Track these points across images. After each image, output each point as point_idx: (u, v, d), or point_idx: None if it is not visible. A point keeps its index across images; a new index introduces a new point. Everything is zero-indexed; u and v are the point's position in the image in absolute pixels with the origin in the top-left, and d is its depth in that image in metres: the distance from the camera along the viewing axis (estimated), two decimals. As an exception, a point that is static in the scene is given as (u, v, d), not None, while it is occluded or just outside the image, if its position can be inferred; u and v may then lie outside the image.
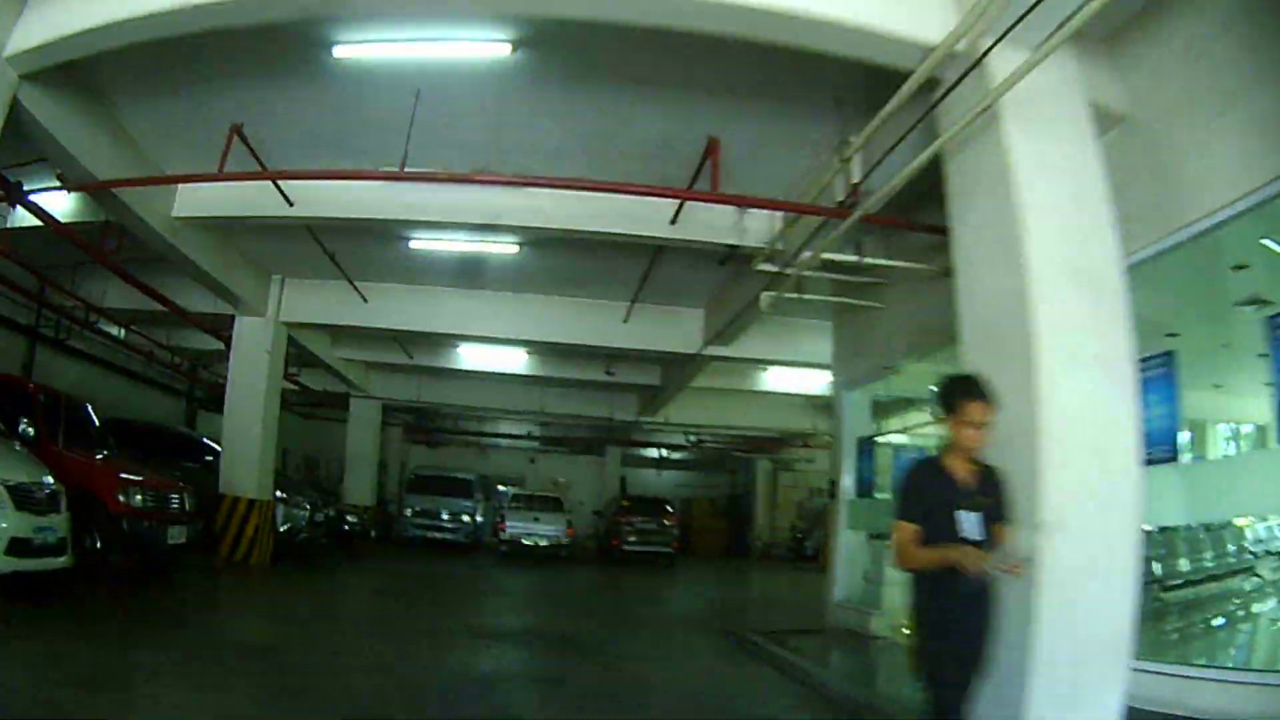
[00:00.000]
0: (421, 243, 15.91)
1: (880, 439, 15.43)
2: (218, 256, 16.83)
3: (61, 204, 14.85)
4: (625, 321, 19.19)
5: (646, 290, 17.75)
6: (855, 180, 10.33)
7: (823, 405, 28.08)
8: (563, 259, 17.00)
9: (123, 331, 23.08)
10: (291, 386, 26.71)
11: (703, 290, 18.30)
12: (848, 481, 15.22)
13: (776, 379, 25.39)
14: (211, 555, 17.44)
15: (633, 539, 29.59)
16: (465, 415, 39.08)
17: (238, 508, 18.26)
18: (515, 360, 25.08)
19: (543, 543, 28.26)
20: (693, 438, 36.80)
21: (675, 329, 19.44)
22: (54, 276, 18.34)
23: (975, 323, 7.43)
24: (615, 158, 11.95)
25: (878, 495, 14.70)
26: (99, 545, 12.08)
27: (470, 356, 25.08)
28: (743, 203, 11.78)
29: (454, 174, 11.62)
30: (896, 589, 13.53)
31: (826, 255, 11.59)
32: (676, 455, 43.01)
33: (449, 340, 23.85)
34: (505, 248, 15.94)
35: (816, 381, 23.96)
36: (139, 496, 12.71)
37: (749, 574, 31.35)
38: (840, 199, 10.72)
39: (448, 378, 29.23)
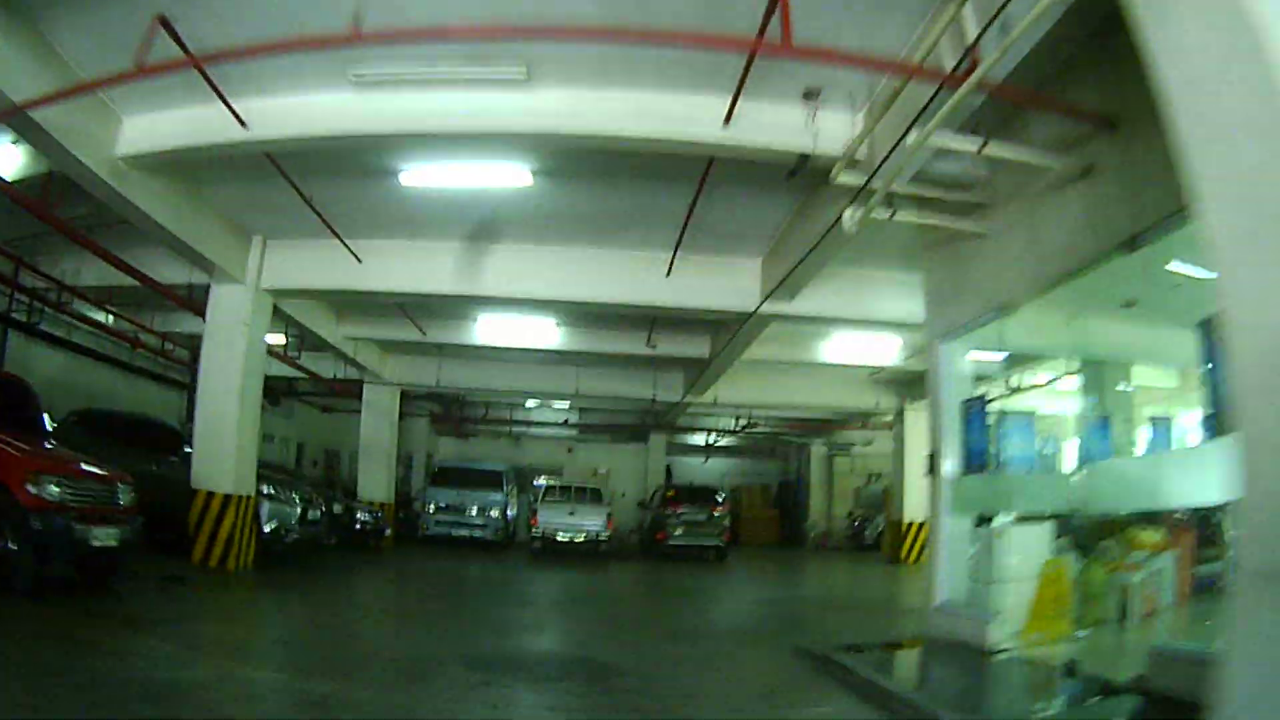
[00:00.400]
0: (414, 177, 13.03)
1: (993, 400, 12.38)
2: (181, 211, 14.30)
3: (10, 164, 12.93)
4: (668, 275, 16.15)
5: (692, 235, 14.73)
6: (971, 37, 7.47)
7: (886, 380, 26.54)
8: (588, 195, 14.15)
9: (111, 318, 20.97)
10: (297, 373, 24.90)
11: (759, 233, 15.31)
12: (950, 456, 12.04)
13: (837, 350, 22.33)
14: (185, 560, 15.04)
15: (679, 532, 27.44)
16: (496, 403, 36.51)
17: (211, 505, 15.65)
18: (544, 334, 22.00)
19: (579, 538, 26.26)
20: (743, 421, 33.91)
21: (727, 283, 16.46)
22: (12, 250, 16.44)
23: (1218, 175, 4.90)
24: (650, 18, 8.89)
25: (992, 471, 11.60)
26: (11, 546, 9.70)
27: (491, 330, 22.13)
28: (827, 57, 8.66)
29: (427, 29, 8.68)
30: (1017, 588, 10.67)
31: (938, 141, 8.56)
32: (724, 441, 40.56)
33: (463, 308, 21.06)
34: (516, 177, 12.88)
35: (882, 351, 21.78)
36: (54, 487, 10.12)
37: (808, 567, 28.60)
38: (952, 66, 7.81)
39: (470, 358, 26.79)
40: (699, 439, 40.90)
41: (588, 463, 39.70)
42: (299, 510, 17.58)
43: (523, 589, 17.92)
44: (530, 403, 35.94)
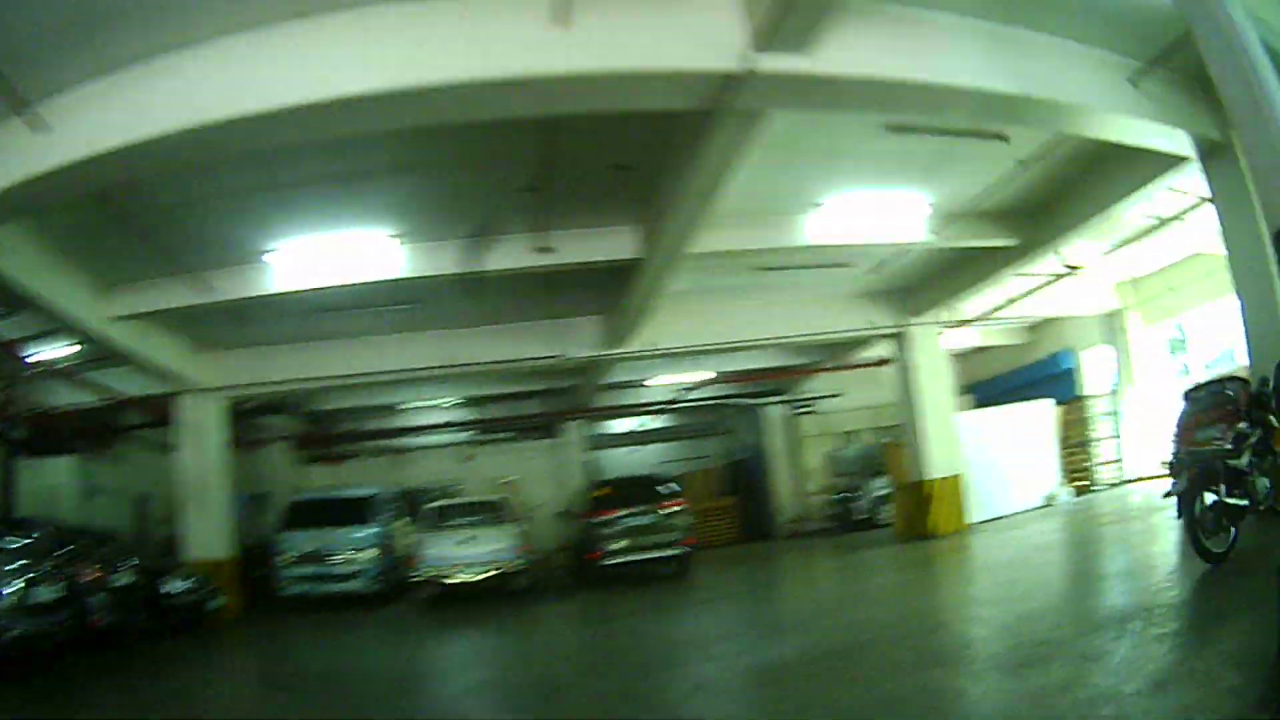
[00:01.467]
0: None
1: None
2: None
3: None
4: (565, 28, 8.40)
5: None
6: None
7: (880, 291, 21.28)
8: None
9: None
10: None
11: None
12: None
13: (831, 226, 15.40)
14: None
15: (620, 545, 20.03)
16: (369, 406, 29.47)
17: None
18: (377, 257, 14.93)
19: (480, 574, 19.31)
20: (685, 382, 28.19)
21: (680, 25, 8.76)
22: None
23: None
24: None
25: None
26: None
27: (296, 263, 14.89)
28: None
29: None
30: None
31: None
32: (655, 424, 35.24)
33: (249, 228, 13.80)
34: None
35: (899, 223, 15.78)
36: None
37: (814, 569, 21.29)
38: None
39: (304, 341, 20.37)
40: (623, 425, 35.47)
41: (493, 472, 33.19)
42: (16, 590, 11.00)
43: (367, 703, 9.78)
44: (408, 402, 29.50)
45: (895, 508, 23.52)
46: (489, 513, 21.11)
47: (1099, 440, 25.12)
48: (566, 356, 20.78)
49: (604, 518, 20.32)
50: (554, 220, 13.96)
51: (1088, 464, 25.02)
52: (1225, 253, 12.26)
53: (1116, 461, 25.05)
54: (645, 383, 27.93)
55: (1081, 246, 18.07)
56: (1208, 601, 8.54)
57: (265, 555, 22.67)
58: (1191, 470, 9.12)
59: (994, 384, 28.78)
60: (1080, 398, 25.68)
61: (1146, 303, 23.95)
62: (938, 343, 21.91)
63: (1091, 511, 19.57)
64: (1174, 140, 11.85)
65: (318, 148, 10.72)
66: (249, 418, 24.63)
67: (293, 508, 22.83)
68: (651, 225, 13.99)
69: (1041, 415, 24.15)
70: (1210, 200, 12.60)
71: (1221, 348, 21.10)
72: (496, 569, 19.48)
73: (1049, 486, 23.25)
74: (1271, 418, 9.74)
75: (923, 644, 8.97)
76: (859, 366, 26.44)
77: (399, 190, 13.02)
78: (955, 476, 20.84)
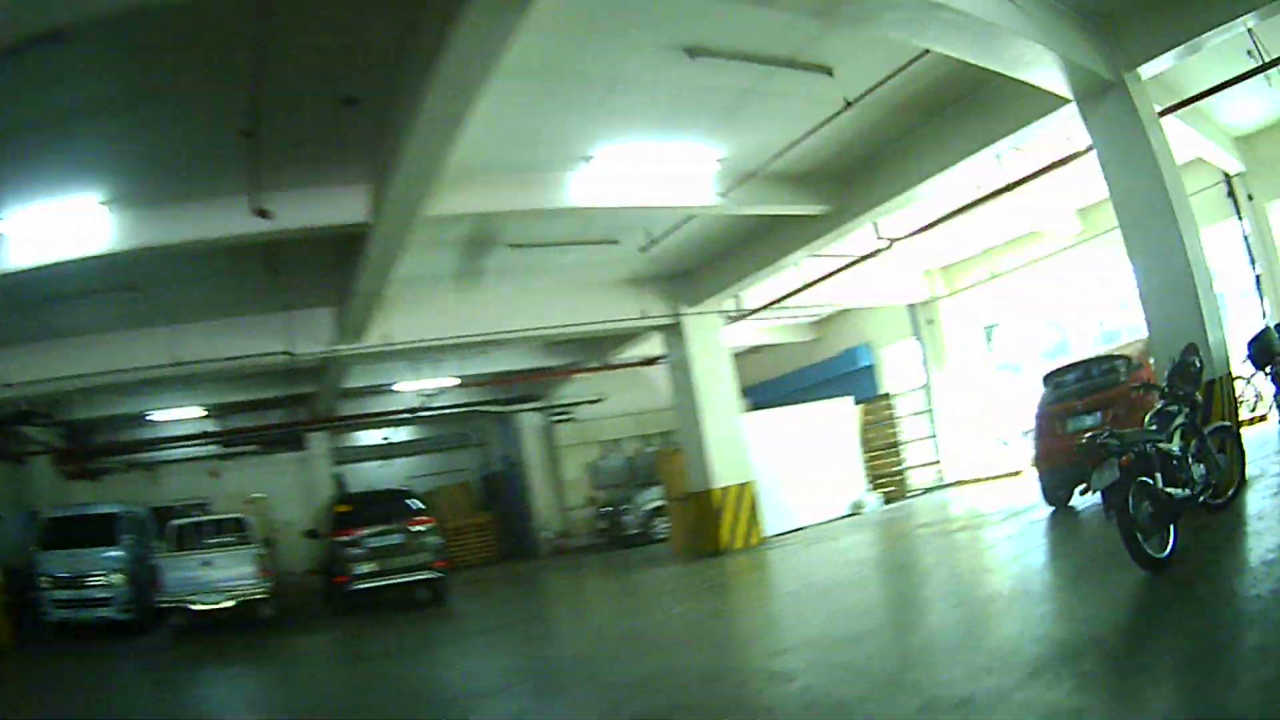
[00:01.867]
0: None
1: None
2: None
3: None
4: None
5: None
6: None
7: (659, 276, 19.50)
8: None
9: None
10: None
11: None
12: None
13: (600, 185, 13.45)
14: None
15: (367, 568, 18.33)
16: (117, 415, 26.84)
17: None
18: (88, 231, 12.27)
19: (222, 601, 17.96)
20: (430, 390, 26.26)
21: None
22: None
23: None
24: None
25: None
26: None
27: (16, 236, 12.32)
28: None
29: None
30: None
31: None
32: (406, 435, 33.95)
33: None
34: None
35: (685, 183, 13.94)
36: None
37: (584, 593, 19.42)
38: None
39: (32, 337, 17.90)
40: (374, 437, 33.83)
41: (241, 487, 31.08)
42: None
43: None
44: (154, 411, 26.87)
45: (672, 521, 21.84)
46: (231, 533, 19.67)
47: (909, 442, 23.93)
48: (294, 353, 18.46)
49: (348, 537, 18.58)
50: (275, 176, 11.40)
51: (897, 468, 23.81)
52: (1115, 209, 10.97)
53: (933, 464, 23.97)
54: (394, 388, 25.93)
55: (896, 223, 16.48)
56: (1181, 621, 6.27)
57: (29, 579, 20.85)
58: (1126, 458, 7.43)
59: (777, 385, 27.61)
60: (883, 396, 24.55)
61: (962, 291, 23.04)
62: (719, 336, 20.27)
63: (912, 520, 18.08)
64: (1051, 76, 10.28)
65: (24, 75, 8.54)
66: (2, 428, 22.78)
67: (50, 524, 20.85)
68: (384, 178, 11.49)
69: (840, 416, 22.88)
70: (1092, 148, 11.25)
71: (1057, 334, 20.30)
72: (239, 596, 17.99)
73: (854, 493, 22.02)
74: (1199, 394, 8.56)
75: (783, 709, 6.56)
76: (623, 366, 24.99)
77: (106, 137, 10.48)
78: (744, 485, 19.22)
